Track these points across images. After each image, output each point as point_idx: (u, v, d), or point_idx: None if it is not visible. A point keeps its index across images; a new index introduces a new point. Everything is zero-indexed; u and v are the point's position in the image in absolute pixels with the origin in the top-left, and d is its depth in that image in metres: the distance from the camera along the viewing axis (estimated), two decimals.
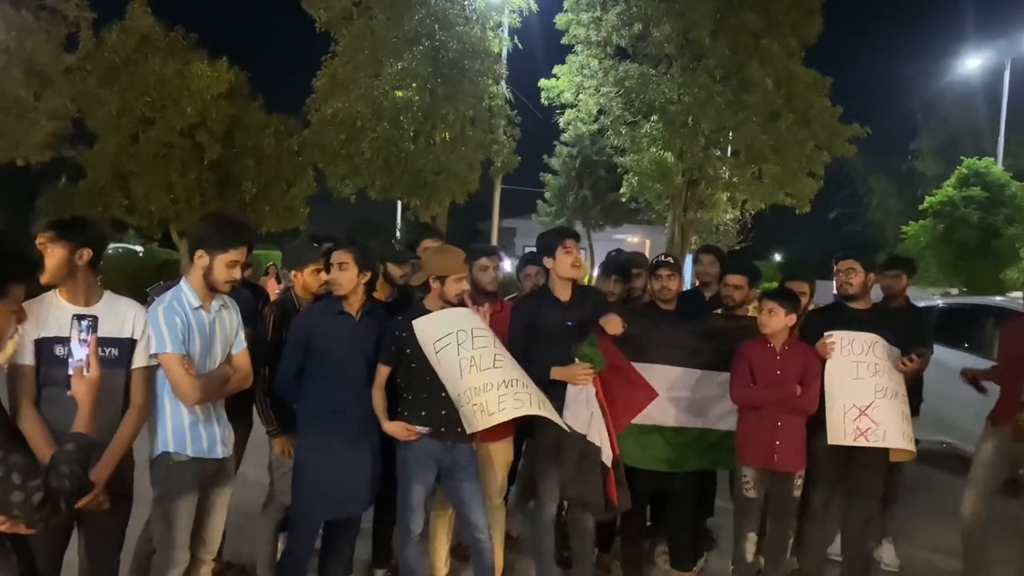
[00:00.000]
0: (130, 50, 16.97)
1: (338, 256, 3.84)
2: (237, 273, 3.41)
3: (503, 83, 18.40)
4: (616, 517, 4.67)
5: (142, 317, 3.21)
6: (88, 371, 2.29)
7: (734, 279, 5.02)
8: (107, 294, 3.19)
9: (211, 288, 3.38)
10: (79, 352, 2.32)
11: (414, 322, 3.83)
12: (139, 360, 3.18)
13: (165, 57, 16.94)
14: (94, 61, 17.09)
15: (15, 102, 17.20)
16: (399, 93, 16.85)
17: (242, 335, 3.59)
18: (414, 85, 16.81)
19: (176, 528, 3.34)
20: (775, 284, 5.21)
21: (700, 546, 5.14)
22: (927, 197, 23.72)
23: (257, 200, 18.30)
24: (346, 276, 3.82)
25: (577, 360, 4.02)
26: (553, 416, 3.84)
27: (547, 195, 31.40)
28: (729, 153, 18.88)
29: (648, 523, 5.25)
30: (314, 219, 20.59)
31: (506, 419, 3.74)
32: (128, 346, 3.14)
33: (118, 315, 3.12)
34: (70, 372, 2.33)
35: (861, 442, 4.29)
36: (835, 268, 4.69)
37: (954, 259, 22.06)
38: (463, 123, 17.10)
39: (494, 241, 21.06)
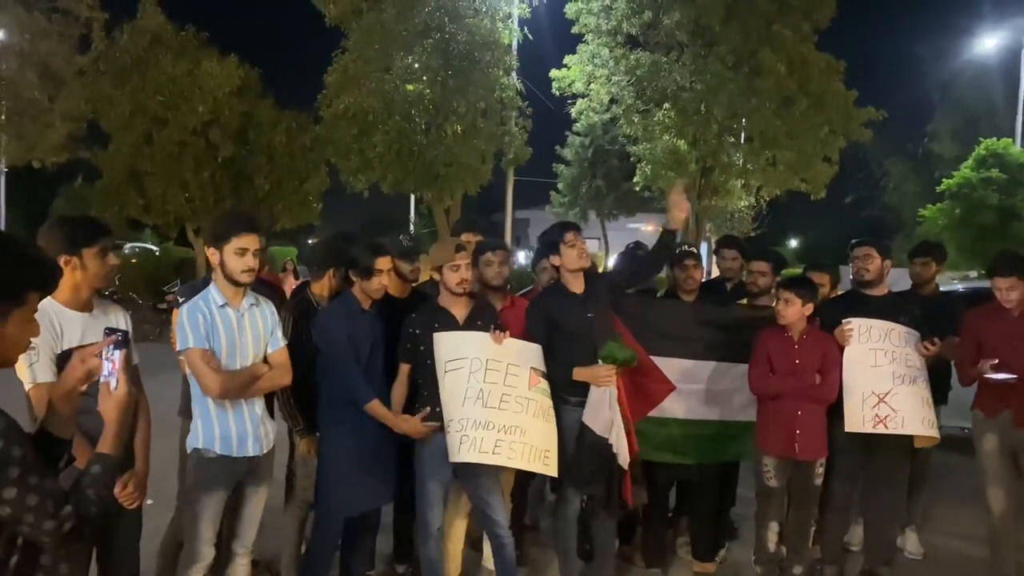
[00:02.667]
0: (142, 50, 17.02)
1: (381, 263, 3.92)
2: (250, 261, 3.40)
3: (514, 74, 18.28)
4: (639, 508, 4.68)
5: (127, 318, 3.25)
6: (115, 388, 2.19)
7: (759, 265, 5.00)
8: (95, 298, 3.18)
9: (232, 282, 3.41)
10: (107, 369, 2.22)
11: (435, 335, 3.83)
12: (133, 357, 3.22)
13: (176, 56, 16.98)
14: (107, 62, 17.16)
15: (30, 104, 17.34)
16: (410, 87, 16.81)
17: (279, 333, 3.62)
18: (425, 78, 16.78)
19: (200, 522, 3.39)
20: (797, 271, 5.18)
21: (722, 536, 5.13)
22: (944, 179, 23.48)
23: (270, 197, 18.33)
24: (390, 278, 4.01)
25: (600, 361, 4.00)
26: (542, 471, 3.88)
27: (560, 185, 31.26)
28: (743, 139, 18.69)
29: (670, 513, 5.25)
30: (328, 214, 20.66)
31: (496, 464, 3.79)
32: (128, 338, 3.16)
33: (111, 317, 3.14)
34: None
35: (880, 429, 4.27)
36: (851, 255, 4.66)
37: (973, 242, 21.83)
38: (474, 115, 17.04)
39: (508, 233, 21.03)
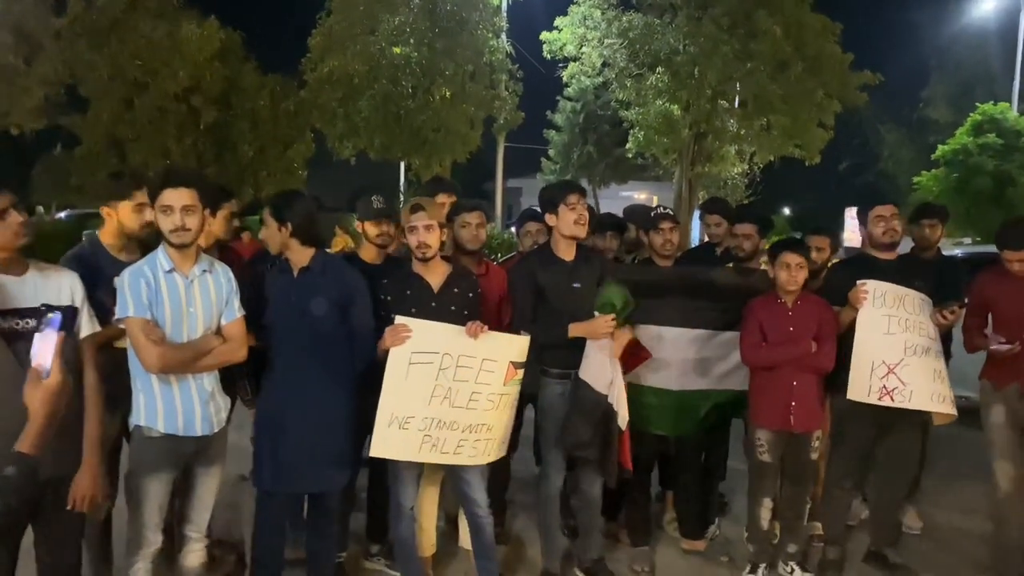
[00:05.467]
0: (119, 12, 16.55)
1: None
2: (176, 219, 3.08)
3: (503, 36, 17.97)
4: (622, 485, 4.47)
5: (79, 284, 2.98)
6: (47, 376, 1.92)
7: (743, 228, 4.76)
8: (33, 263, 2.91)
9: (170, 244, 3.13)
10: (37, 351, 1.93)
11: (402, 320, 3.47)
12: (85, 328, 2.95)
13: (155, 19, 16.52)
14: (83, 24, 16.68)
15: (5, 68, 16.86)
16: (396, 49, 16.46)
17: (236, 302, 3.34)
18: (412, 41, 16.41)
19: (144, 507, 3.15)
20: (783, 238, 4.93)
21: (711, 512, 4.92)
22: (940, 146, 23.24)
23: (254, 163, 18.02)
24: (267, 232, 3.66)
25: (597, 313, 3.74)
26: (495, 457, 3.77)
27: (551, 152, 30.86)
28: (736, 104, 18.49)
29: (659, 488, 5.04)
30: (314, 183, 20.28)
31: (457, 463, 3.64)
32: (71, 314, 2.88)
33: (51, 283, 2.87)
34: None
35: (886, 401, 4.04)
36: (873, 214, 4.34)
37: (968, 208, 21.62)
38: (463, 79, 16.72)
39: (499, 202, 20.78)
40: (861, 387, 4.06)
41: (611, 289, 3.77)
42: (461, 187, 5.26)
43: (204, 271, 3.23)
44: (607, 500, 4.44)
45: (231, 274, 3.37)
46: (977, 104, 23.39)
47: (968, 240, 19.27)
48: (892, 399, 4.03)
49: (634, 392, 4.27)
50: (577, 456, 3.95)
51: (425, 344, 3.47)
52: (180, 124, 16.96)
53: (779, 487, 4.35)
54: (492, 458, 3.72)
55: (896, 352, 4.05)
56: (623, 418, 3.79)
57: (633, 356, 4.26)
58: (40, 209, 24.00)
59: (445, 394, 3.49)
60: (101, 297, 3.18)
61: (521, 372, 3.70)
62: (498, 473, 4.55)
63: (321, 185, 20.68)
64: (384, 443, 3.49)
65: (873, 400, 4.05)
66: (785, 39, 16.60)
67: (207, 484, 3.37)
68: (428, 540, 4.18)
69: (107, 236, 3.56)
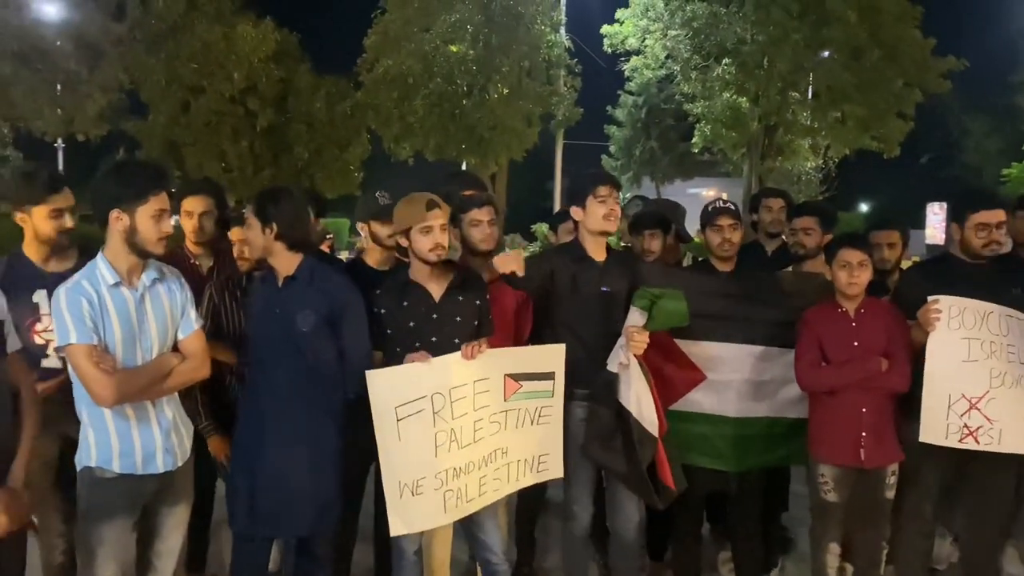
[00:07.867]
0: (177, 15, 16.68)
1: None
2: (168, 226, 2.74)
3: (562, 30, 17.58)
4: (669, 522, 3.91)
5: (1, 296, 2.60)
6: None
7: (803, 221, 4.15)
8: None
9: (142, 254, 2.73)
10: None
11: (369, 375, 3.02)
12: (12, 343, 2.60)
13: (211, 22, 16.59)
14: (142, 30, 16.87)
15: (69, 76, 17.15)
16: (453, 47, 16.19)
17: (193, 313, 2.92)
18: (468, 38, 16.14)
19: (98, 559, 2.71)
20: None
21: (773, 551, 4.30)
22: None
23: (310, 166, 18.00)
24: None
25: (633, 307, 3.26)
26: (541, 478, 3.39)
27: (612, 148, 30.15)
28: (809, 95, 17.84)
29: (707, 523, 4.43)
30: (372, 184, 20.18)
31: (485, 504, 3.24)
32: None
33: None
34: None
35: (969, 444, 3.33)
36: (975, 222, 3.52)
37: None
38: (519, 75, 16.38)
39: (557, 200, 20.29)
40: (937, 427, 3.37)
41: (647, 294, 3.25)
42: (520, 185, 4.80)
43: (155, 280, 2.81)
44: (652, 536, 3.89)
45: (183, 280, 2.95)
46: None
47: None
48: (977, 441, 3.33)
49: (685, 420, 3.70)
50: (603, 466, 3.44)
51: (407, 392, 3.02)
52: (236, 127, 17.07)
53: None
54: (527, 481, 3.34)
55: (979, 383, 3.35)
56: (651, 423, 3.27)
57: (683, 377, 3.70)
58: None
59: (450, 437, 3.06)
60: (19, 314, 2.81)
61: (528, 383, 3.24)
62: (527, 502, 4.08)
63: (378, 187, 20.54)
64: (402, 519, 3.08)
65: (952, 443, 3.35)
66: (860, 24, 15.95)
67: (173, 526, 2.95)
68: None
69: (27, 246, 3.17)
